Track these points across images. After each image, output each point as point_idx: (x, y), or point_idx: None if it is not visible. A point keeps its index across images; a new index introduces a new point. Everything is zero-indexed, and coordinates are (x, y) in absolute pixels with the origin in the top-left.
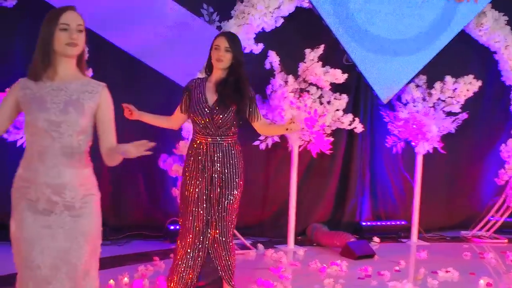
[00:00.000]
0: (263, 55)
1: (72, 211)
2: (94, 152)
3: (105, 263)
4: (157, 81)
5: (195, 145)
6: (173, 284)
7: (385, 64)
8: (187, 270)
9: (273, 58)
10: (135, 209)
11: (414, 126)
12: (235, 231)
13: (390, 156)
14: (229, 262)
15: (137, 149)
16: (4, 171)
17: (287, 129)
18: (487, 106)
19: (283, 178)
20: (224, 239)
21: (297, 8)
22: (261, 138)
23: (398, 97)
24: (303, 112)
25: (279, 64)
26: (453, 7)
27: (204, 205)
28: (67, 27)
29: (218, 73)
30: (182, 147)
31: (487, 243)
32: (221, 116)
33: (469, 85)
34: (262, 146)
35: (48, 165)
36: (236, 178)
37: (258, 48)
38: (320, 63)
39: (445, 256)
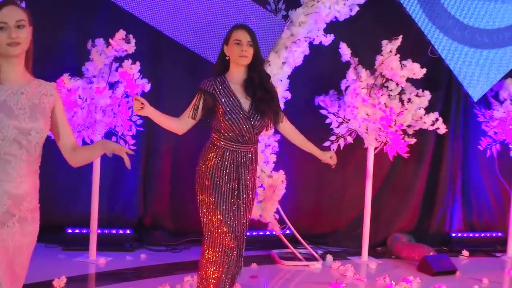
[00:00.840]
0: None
1: (23, 223)
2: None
3: (156, 270)
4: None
5: (221, 153)
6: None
7: (476, 57)
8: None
9: (344, 50)
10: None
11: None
12: (301, 240)
13: (485, 159)
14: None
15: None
16: None
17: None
18: None
19: (362, 182)
20: None
21: None
22: (332, 138)
23: (495, 93)
24: (378, 110)
25: (350, 57)
26: None
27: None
28: (4, 25)
29: (238, 72)
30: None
31: None
32: (258, 122)
33: None
34: (333, 147)
35: (13, 174)
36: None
37: (327, 39)
38: (398, 56)
39: None
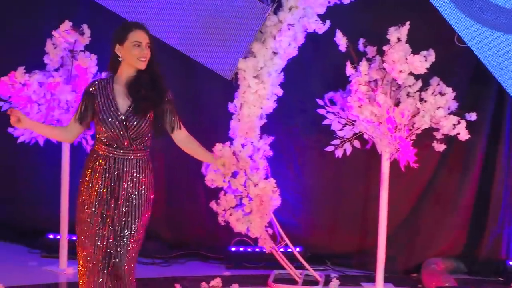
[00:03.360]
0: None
1: None
2: None
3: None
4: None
5: (98, 158)
6: None
7: None
8: None
9: (340, 39)
10: (195, 223)
11: None
12: (301, 258)
13: None
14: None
15: None
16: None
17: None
18: None
19: (395, 194)
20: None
21: None
22: (335, 142)
23: None
24: (375, 108)
25: (346, 47)
26: None
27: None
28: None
29: (127, 74)
30: (217, 151)
31: None
32: (135, 125)
33: None
34: (339, 153)
35: None
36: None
37: (324, 27)
38: (405, 46)
39: None
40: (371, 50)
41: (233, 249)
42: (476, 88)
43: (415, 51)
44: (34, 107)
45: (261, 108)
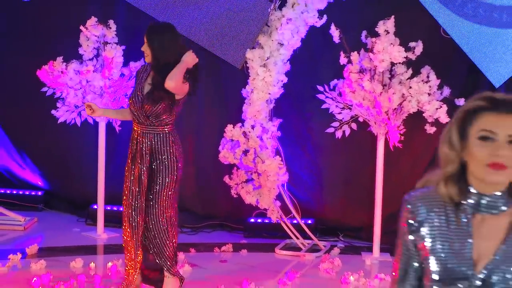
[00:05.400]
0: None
1: None
2: None
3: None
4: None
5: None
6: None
7: (496, 38)
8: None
9: (334, 32)
10: (221, 198)
11: None
12: (306, 229)
13: None
14: (163, 249)
15: None
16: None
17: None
18: None
19: (400, 173)
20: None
21: None
22: (334, 124)
23: None
24: (367, 93)
25: (340, 39)
26: None
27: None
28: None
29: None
30: (228, 132)
31: None
32: (150, 106)
33: None
34: (338, 135)
35: None
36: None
37: (321, 21)
38: (392, 38)
39: None
40: (370, 42)
41: (252, 220)
42: (472, 77)
43: (414, 41)
44: (71, 92)
45: (269, 93)
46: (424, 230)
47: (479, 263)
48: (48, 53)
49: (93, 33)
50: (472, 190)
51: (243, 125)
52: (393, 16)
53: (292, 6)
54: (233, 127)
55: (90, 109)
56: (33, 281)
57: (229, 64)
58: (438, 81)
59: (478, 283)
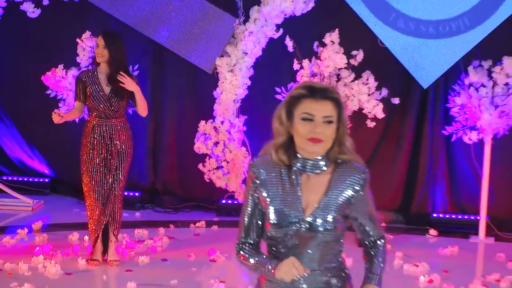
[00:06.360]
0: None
1: None
2: None
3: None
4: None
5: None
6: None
7: (423, 47)
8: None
9: (288, 42)
10: (199, 183)
11: (466, 113)
12: None
13: (467, 144)
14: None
15: None
16: None
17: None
18: None
19: None
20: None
21: None
22: None
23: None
24: None
25: (293, 48)
26: None
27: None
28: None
29: (103, 66)
30: (202, 126)
31: None
32: (116, 101)
33: None
34: None
35: None
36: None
37: (277, 34)
38: (337, 47)
39: (468, 253)
40: (320, 50)
41: (223, 201)
42: (406, 80)
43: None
44: (70, 94)
45: (236, 94)
46: (264, 187)
47: (306, 211)
48: (51, 61)
49: (87, 44)
50: (299, 156)
51: (214, 121)
52: (337, 29)
53: (254, 21)
54: (206, 123)
55: (59, 116)
56: (36, 250)
57: (202, 70)
58: (376, 83)
59: (307, 225)
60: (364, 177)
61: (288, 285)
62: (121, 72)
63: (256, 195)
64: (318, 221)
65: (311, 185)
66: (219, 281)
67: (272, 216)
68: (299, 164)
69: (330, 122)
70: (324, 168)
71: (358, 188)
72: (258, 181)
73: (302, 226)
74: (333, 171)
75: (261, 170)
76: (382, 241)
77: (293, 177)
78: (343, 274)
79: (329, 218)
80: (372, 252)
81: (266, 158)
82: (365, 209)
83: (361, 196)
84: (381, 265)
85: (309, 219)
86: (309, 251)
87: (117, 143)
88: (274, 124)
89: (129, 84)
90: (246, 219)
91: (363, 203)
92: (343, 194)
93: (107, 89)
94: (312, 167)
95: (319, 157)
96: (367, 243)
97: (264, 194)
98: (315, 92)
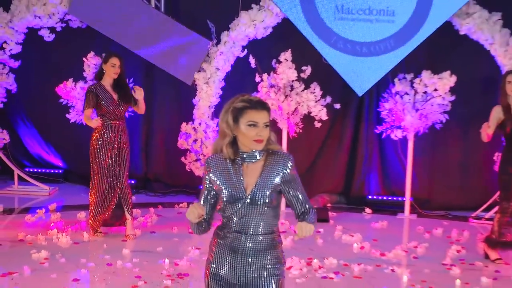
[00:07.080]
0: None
1: None
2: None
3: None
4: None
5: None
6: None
7: (358, 63)
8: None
9: (251, 59)
10: (184, 172)
11: (393, 116)
12: None
13: (394, 140)
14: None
15: None
16: None
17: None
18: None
19: (300, 154)
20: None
21: (283, 19)
22: None
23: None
24: (275, 102)
25: (255, 64)
26: (427, 6)
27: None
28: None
29: (108, 79)
30: (183, 127)
31: (480, 223)
32: (124, 106)
33: (445, 81)
34: None
35: None
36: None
37: (243, 53)
38: (290, 63)
39: (395, 226)
40: (276, 66)
41: (201, 187)
42: (345, 89)
43: (305, 65)
44: (78, 102)
45: (210, 101)
46: (216, 176)
47: (247, 190)
48: (63, 76)
49: (92, 62)
50: (240, 151)
51: (193, 123)
52: (290, 49)
53: (224, 44)
54: (187, 124)
55: (97, 121)
56: (51, 225)
57: (184, 82)
58: (321, 92)
59: (248, 200)
60: (290, 161)
61: (236, 244)
62: (137, 86)
63: (211, 184)
64: (257, 197)
65: (249, 171)
66: (195, 248)
67: (223, 196)
68: (240, 157)
69: (267, 125)
70: (258, 157)
71: (286, 169)
72: (211, 173)
73: (246, 201)
74: (266, 159)
75: (213, 164)
76: (313, 210)
77: (237, 167)
78: (278, 236)
79: (266, 193)
80: (306, 216)
81: (216, 156)
82: (295, 183)
83: (289, 175)
84: (312, 220)
85: (249, 196)
86: (253, 219)
87: (120, 141)
88: (221, 126)
89: (140, 93)
90: (202, 199)
91: (292, 179)
92: (275, 174)
93: (115, 96)
94: (249, 157)
95: (256, 151)
96: (302, 210)
97: (218, 182)
98: (256, 104)
